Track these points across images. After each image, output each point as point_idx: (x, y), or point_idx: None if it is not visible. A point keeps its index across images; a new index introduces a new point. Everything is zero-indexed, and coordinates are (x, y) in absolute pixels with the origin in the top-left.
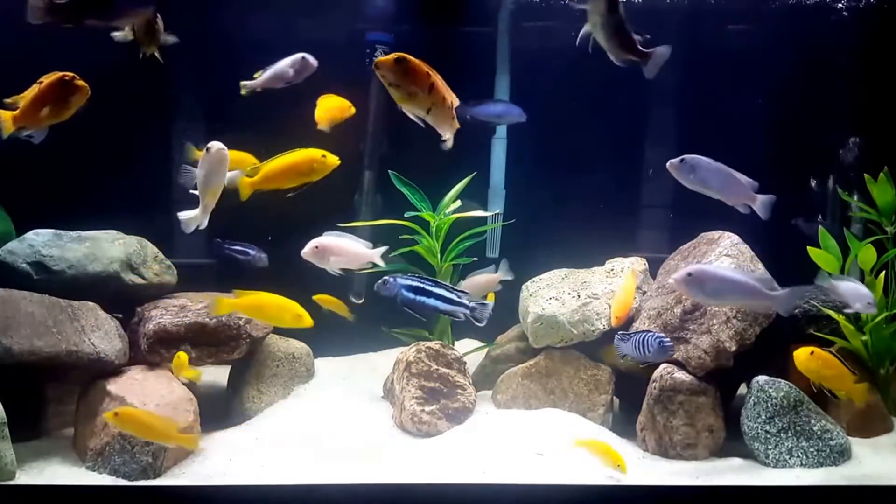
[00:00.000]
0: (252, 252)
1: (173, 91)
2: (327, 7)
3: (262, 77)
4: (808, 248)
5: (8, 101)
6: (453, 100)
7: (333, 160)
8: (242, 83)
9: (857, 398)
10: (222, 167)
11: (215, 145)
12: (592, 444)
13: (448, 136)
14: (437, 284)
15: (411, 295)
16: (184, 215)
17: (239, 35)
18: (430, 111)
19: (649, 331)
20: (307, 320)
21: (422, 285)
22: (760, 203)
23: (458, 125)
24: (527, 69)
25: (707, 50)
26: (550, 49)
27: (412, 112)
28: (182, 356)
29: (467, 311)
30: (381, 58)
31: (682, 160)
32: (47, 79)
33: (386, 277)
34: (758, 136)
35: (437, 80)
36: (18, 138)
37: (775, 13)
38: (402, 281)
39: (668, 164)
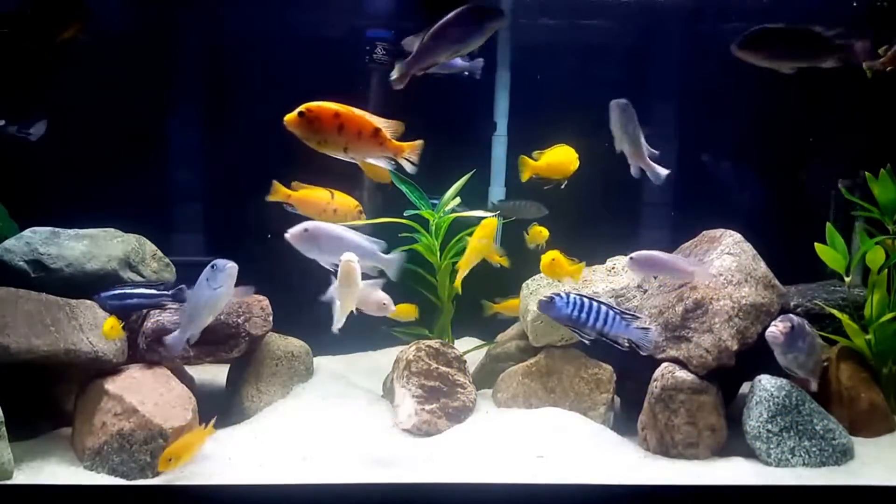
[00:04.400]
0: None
1: (173, 88)
2: (328, 4)
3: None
4: (816, 245)
5: None
6: (369, 129)
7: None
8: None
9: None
10: (353, 278)
11: (345, 257)
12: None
13: (382, 163)
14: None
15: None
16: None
17: (238, 34)
18: (346, 150)
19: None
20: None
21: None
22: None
23: (390, 150)
24: (527, 65)
25: (707, 48)
26: (551, 45)
27: (333, 155)
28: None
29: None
30: (287, 117)
31: None
32: None
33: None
34: (758, 134)
35: (346, 118)
36: (16, 136)
37: (778, 10)
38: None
39: None
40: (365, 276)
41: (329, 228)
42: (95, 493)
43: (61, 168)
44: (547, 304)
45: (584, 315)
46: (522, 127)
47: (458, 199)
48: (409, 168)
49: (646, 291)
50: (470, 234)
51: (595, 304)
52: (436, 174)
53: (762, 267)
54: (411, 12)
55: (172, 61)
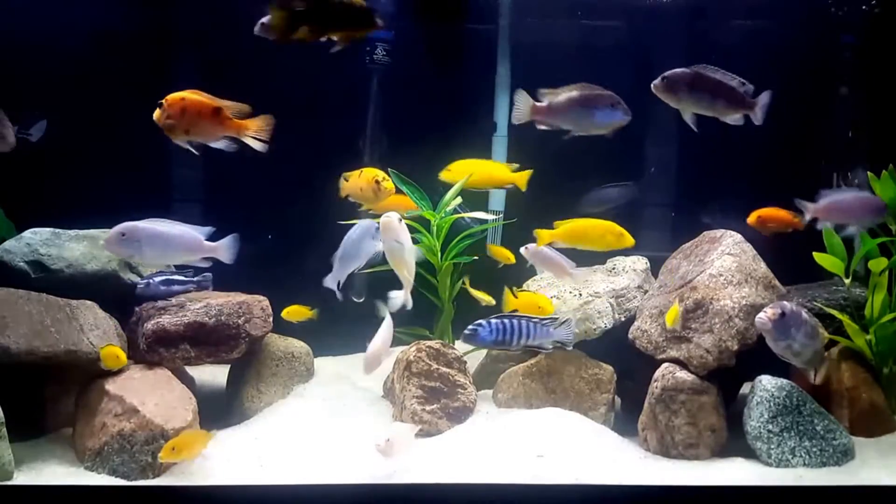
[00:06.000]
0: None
1: (171, 83)
2: None
3: None
4: (815, 254)
5: None
6: (209, 109)
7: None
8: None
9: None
10: (395, 235)
11: (387, 216)
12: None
13: (222, 145)
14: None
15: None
16: (393, 295)
17: (234, 31)
18: (188, 132)
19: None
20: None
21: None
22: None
23: (232, 129)
24: (528, 65)
25: (708, 46)
26: (551, 45)
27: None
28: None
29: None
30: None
31: None
32: None
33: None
34: (759, 132)
35: (190, 101)
36: (17, 137)
37: (783, 8)
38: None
39: None
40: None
41: (147, 227)
42: (96, 494)
43: (62, 168)
44: (471, 336)
45: (507, 336)
46: (523, 127)
47: (458, 200)
48: (257, 146)
49: (646, 292)
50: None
51: (515, 321)
52: (438, 174)
53: (762, 267)
54: (411, 12)
55: (172, 59)
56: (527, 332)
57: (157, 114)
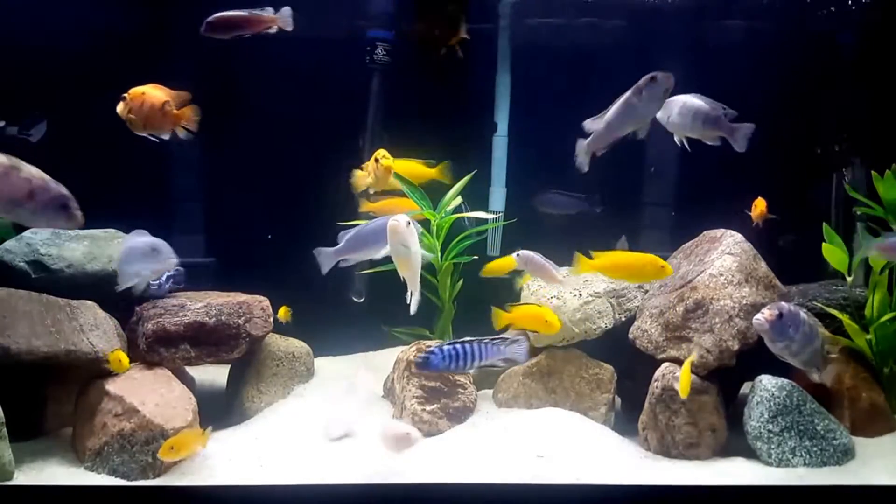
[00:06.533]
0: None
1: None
2: (328, 4)
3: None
4: (824, 245)
5: None
6: (160, 103)
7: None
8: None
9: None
10: (402, 239)
11: (395, 218)
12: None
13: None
14: None
15: None
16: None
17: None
18: (146, 126)
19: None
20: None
21: None
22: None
23: (171, 120)
24: (528, 66)
25: (708, 45)
26: (551, 46)
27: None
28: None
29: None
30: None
31: None
32: None
33: None
34: (761, 131)
35: (148, 94)
36: (16, 136)
37: (780, 8)
38: None
39: None
40: None
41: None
42: (96, 494)
43: (62, 168)
44: (423, 363)
45: (460, 361)
46: (523, 127)
47: (458, 200)
48: (182, 135)
49: (647, 291)
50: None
51: (468, 345)
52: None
53: (763, 267)
54: (411, 12)
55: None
56: (480, 354)
57: (120, 107)
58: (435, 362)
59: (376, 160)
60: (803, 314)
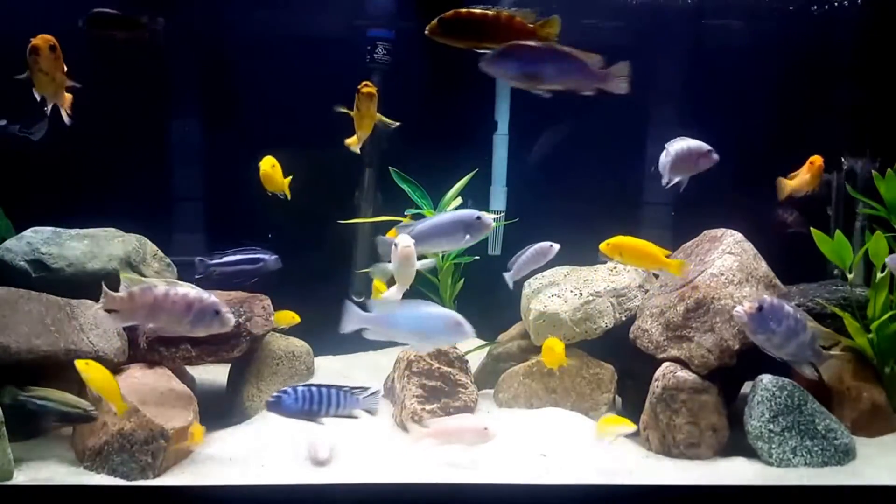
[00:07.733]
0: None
1: (171, 84)
2: (328, 3)
3: None
4: (813, 230)
5: None
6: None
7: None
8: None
9: None
10: (411, 261)
11: (402, 241)
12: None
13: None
14: None
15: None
16: (387, 295)
17: (236, 31)
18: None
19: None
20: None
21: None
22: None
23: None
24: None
25: (708, 45)
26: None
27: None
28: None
29: None
30: None
31: None
32: None
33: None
34: (761, 130)
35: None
36: (18, 136)
37: (782, 6)
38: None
39: None
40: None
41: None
42: (96, 494)
43: (62, 168)
44: (274, 404)
45: (315, 405)
46: (523, 126)
47: (459, 199)
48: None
49: (647, 291)
50: None
51: (325, 390)
52: (438, 173)
53: (763, 266)
54: (411, 12)
55: (172, 61)
56: (336, 402)
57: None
58: (287, 402)
59: (357, 89)
60: (788, 308)
